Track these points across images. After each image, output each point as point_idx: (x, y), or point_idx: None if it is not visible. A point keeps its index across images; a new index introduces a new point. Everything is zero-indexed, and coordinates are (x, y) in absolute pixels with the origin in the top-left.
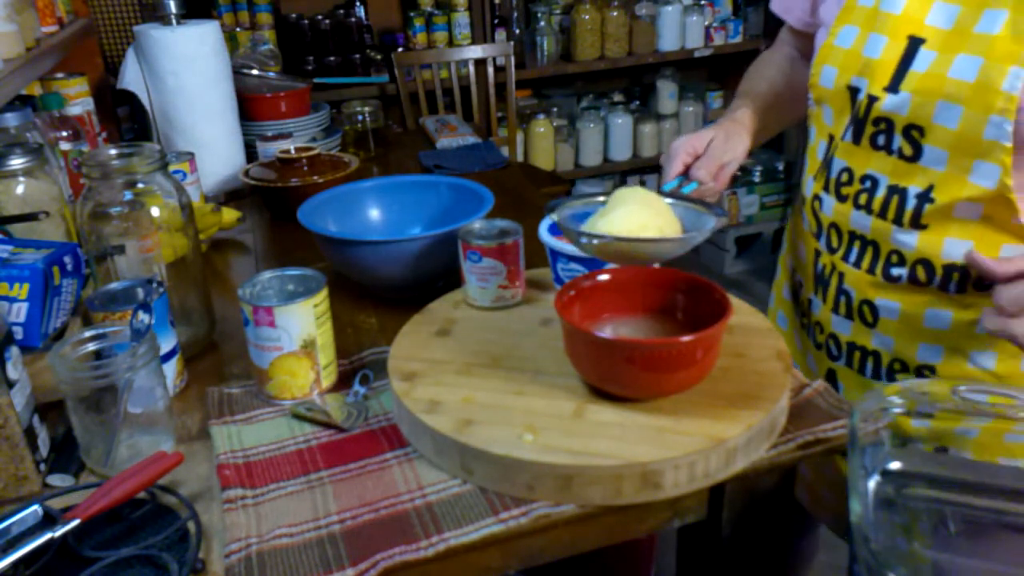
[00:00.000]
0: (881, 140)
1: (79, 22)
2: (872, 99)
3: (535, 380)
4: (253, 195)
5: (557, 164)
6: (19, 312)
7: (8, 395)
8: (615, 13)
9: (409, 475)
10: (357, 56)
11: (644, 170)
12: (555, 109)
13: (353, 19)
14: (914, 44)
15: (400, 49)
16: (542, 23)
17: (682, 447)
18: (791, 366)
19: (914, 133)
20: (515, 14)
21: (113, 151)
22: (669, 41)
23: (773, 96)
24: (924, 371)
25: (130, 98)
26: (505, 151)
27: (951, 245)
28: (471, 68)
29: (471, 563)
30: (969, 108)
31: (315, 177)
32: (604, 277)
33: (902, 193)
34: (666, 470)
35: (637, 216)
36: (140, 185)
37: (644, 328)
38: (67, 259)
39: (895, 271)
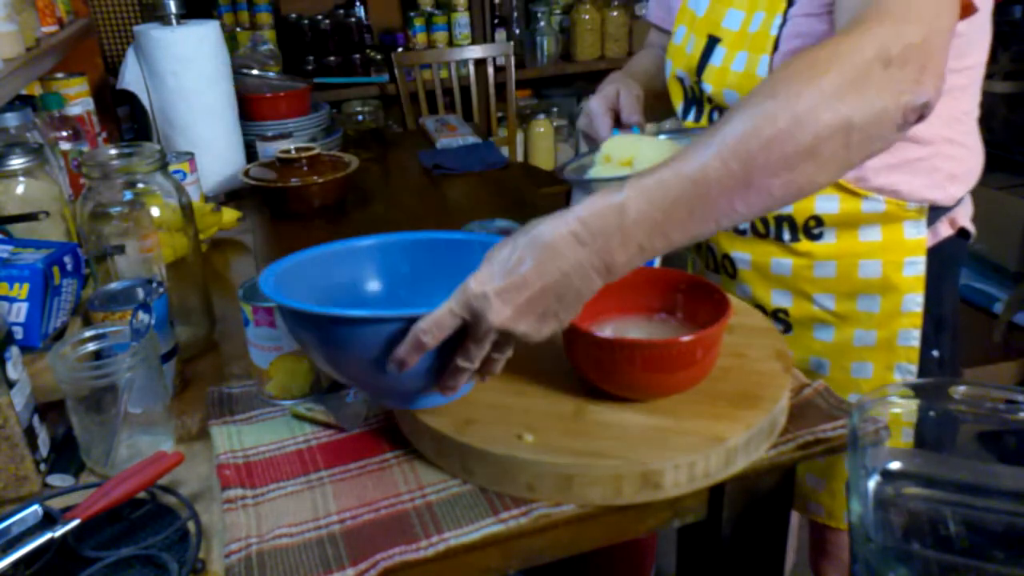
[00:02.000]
0: (715, 115)
1: (79, 22)
2: (698, 84)
3: (535, 380)
4: (253, 195)
5: (557, 164)
6: (19, 312)
7: (8, 395)
8: (615, 13)
9: (409, 475)
10: (357, 56)
11: None
12: (555, 109)
13: (353, 19)
14: (712, 42)
15: (400, 49)
16: (542, 23)
17: (682, 447)
18: (791, 366)
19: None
20: (515, 14)
21: (113, 151)
22: None
23: (646, 76)
24: (779, 314)
25: (130, 98)
26: (505, 151)
27: None
28: (471, 68)
29: (471, 563)
30: (741, 93)
31: (315, 177)
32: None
33: None
34: (666, 470)
35: (640, 143)
36: (140, 185)
37: (644, 328)
38: (67, 259)
39: (740, 225)
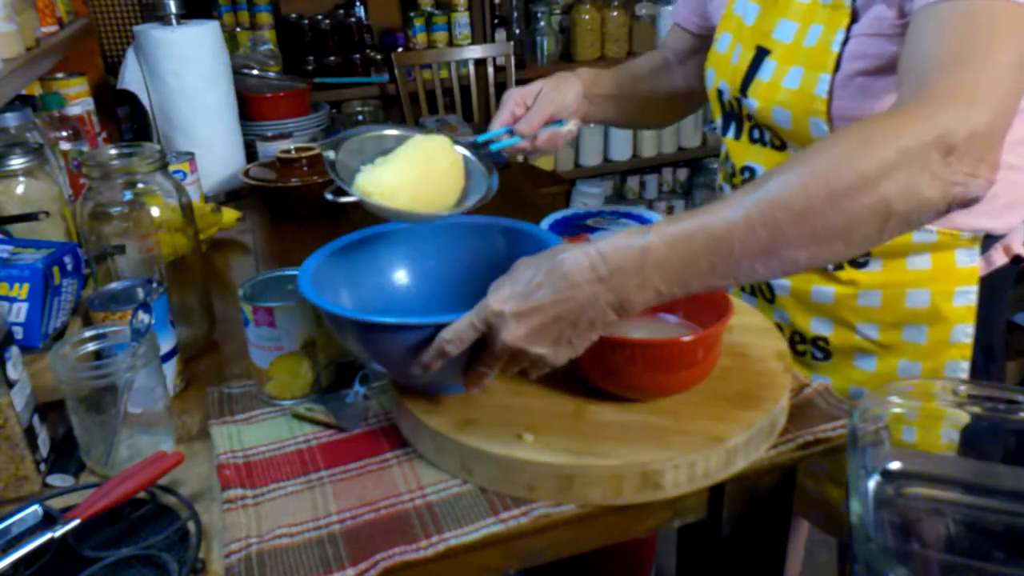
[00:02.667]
0: (756, 134)
1: (79, 22)
2: (737, 100)
3: (535, 380)
4: (253, 195)
5: (557, 164)
6: (19, 312)
7: (8, 395)
8: (615, 13)
9: (409, 475)
10: (357, 56)
11: (644, 170)
12: None
13: (353, 19)
14: (760, 54)
15: (400, 49)
16: (542, 23)
17: (682, 447)
18: (791, 366)
19: (768, 130)
20: (515, 14)
21: (113, 151)
22: None
23: (629, 78)
24: (819, 342)
25: (130, 98)
26: None
27: None
28: (471, 68)
29: (471, 563)
30: (795, 112)
31: (315, 177)
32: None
33: None
34: (666, 470)
35: (402, 175)
36: (140, 185)
37: (645, 328)
38: (67, 259)
39: None
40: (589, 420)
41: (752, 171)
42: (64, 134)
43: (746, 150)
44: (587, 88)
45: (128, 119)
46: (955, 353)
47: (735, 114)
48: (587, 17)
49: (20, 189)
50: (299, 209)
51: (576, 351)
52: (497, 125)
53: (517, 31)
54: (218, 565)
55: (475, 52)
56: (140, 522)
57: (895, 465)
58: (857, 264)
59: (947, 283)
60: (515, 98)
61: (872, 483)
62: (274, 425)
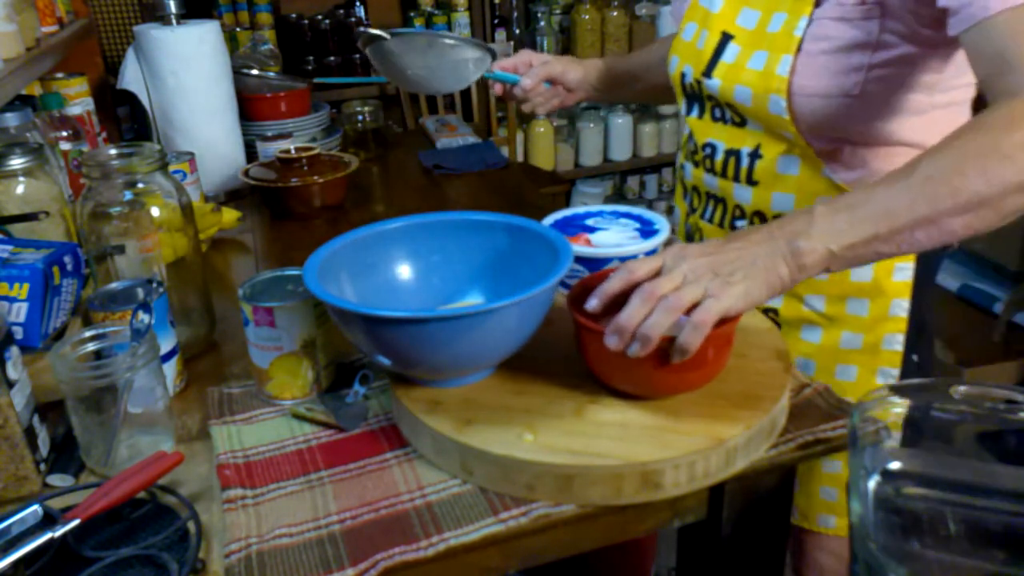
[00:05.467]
0: (718, 113)
1: (79, 22)
2: (698, 82)
3: (535, 380)
4: (253, 195)
5: (557, 164)
6: (19, 312)
7: (8, 395)
8: (615, 13)
9: (409, 475)
10: (357, 56)
11: (644, 170)
12: None
13: (353, 19)
14: (725, 39)
15: None
16: (542, 23)
17: (682, 447)
18: (791, 366)
19: (729, 108)
20: (515, 14)
21: (113, 151)
22: None
23: (642, 66)
24: (768, 313)
25: (130, 98)
26: (505, 151)
27: (778, 198)
28: None
29: (471, 563)
30: (756, 91)
31: (315, 177)
32: (596, 305)
33: (737, 154)
34: (666, 470)
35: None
36: (140, 185)
37: None
38: (67, 259)
39: (738, 223)
40: (589, 420)
41: (713, 147)
42: (64, 134)
43: (708, 128)
44: (602, 81)
45: (128, 119)
46: (891, 327)
47: (698, 96)
48: (587, 17)
49: (20, 189)
50: (299, 209)
51: (747, 296)
52: (504, 68)
53: (517, 31)
54: (218, 565)
55: None
56: (140, 522)
57: (895, 465)
58: None
59: (888, 259)
60: (523, 57)
61: (872, 483)
62: (274, 425)
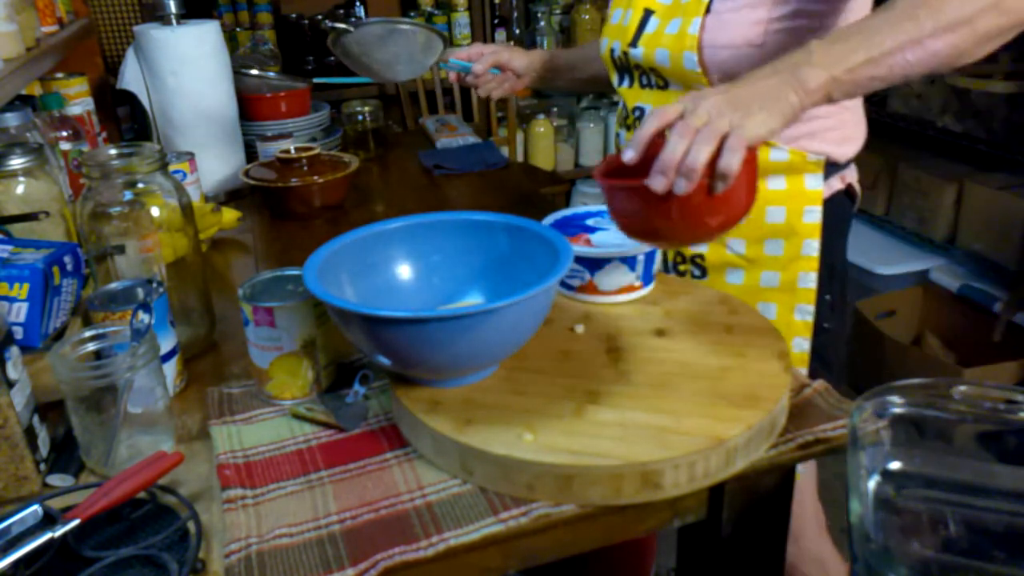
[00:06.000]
0: (644, 80)
1: (79, 22)
2: (625, 54)
3: (535, 380)
4: (253, 195)
5: (557, 164)
6: (19, 312)
7: (8, 395)
8: None
9: (409, 475)
10: None
11: None
12: (555, 109)
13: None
14: (647, 14)
15: None
16: (542, 23)
17: (682, 447)
18: (791, 366)
19: (653, 73)
20: (515, 14)
21: (113, 151)
22: None
23: (582, 58)
24: (697, 259)
25: (130, 98)
26: (505, 151)
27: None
28: None
29: (471, 563)
30: (672, 51)
31: (315, 177)
32: (633, 155)
33: None
34: (666, 470)
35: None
36: (140, 185)
37: None
38: (67, 259)
39: None
40: (589, 420)
41: (642, 110)
42: (64, 134)
43: (638, 95)
44: (550, 69)
45: (128, 119)
46: (804, 265)
47: (626, 66)
48: (587, 17)
49: (20, 189)
50: (299, 209)
51: (767, 124)
52: (457, 56)
53: (517, 31)
54: (218, 565)
55: None
56: (140, 522)
57: (895, 465)
58: None
59: (798, 202)
60: (476, 47)
61: (872, 483)
62: (274, 425)
